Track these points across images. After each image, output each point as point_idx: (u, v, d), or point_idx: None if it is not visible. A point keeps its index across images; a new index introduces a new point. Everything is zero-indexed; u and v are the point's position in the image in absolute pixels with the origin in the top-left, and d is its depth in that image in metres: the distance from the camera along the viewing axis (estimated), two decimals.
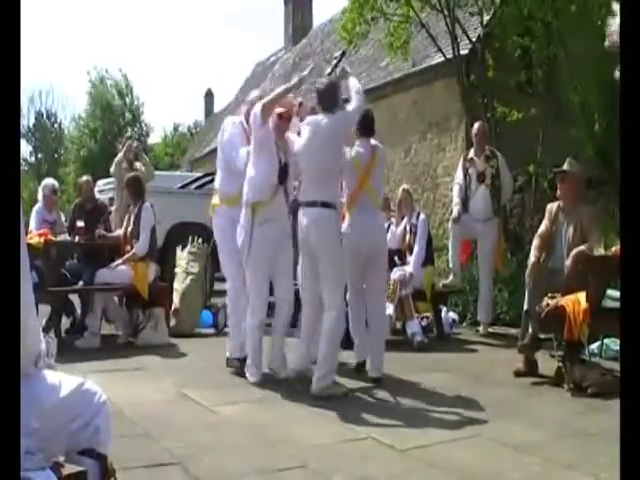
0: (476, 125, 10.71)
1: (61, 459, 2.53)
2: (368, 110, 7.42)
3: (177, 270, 10.44)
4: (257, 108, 6.77)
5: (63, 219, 11.04)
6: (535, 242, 7.66)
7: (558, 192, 7.70)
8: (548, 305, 6.92)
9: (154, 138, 48.29)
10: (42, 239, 8.79)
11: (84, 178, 11.31)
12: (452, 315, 10.69)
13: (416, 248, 9.60)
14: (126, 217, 9.66)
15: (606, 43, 4.73)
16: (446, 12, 13.25)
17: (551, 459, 4.63)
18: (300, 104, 7.69)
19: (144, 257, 9.10)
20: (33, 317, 2.38)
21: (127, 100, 39.35)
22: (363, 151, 7.22)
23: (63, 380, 2.50)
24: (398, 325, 9.85)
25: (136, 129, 36.80)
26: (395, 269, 9.53)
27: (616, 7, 3.94)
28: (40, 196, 10.68)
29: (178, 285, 10.17)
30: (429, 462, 4.60)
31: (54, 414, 2.40)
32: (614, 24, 4.30)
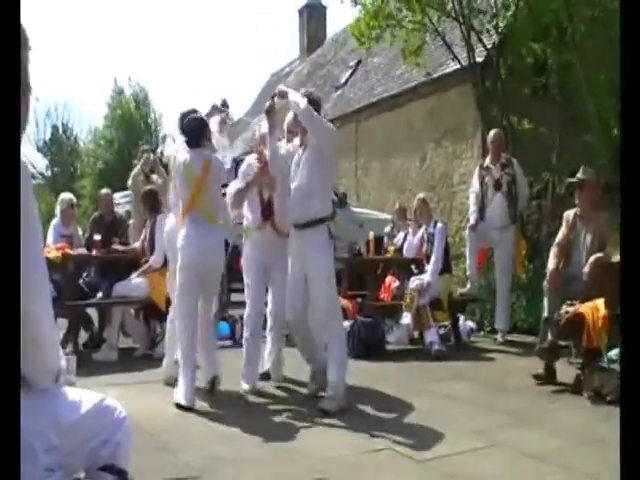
0: (492, 133, 10.69)
1: (82, 475, 2.54)
2: (190, 119, 7.04)
3: None
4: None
5: (80, 233, 11.08)
6: (553, 250, 7.64)
7: (576, 200, 7.68)
8: (567, 312, 6.91)
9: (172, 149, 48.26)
10: (60, 253, 8.82)
11: (104, 191, 11.34)
12: (470, 323, 10.68)
13: (433, 257, 9.60)
14: (143, 230, 9.69)
15: None
16: (461, 19, 13.24)
17: (570, 468, 4.61)
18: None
19: (161, 269, 9.10)
20: (52, 333, 2.39)
21: (144, 112, 39.31)
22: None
23: (83, 396, 2.50)
24: (416, 334, 9.85)
25: (153, 141, 36.71)
26: (412, 278, 9.55)
27: None
28: (58, 210, 10.72)
29: None
30: (448, 473, 4.58)
31: (75, 431, 2.40)
32: None
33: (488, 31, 13.87)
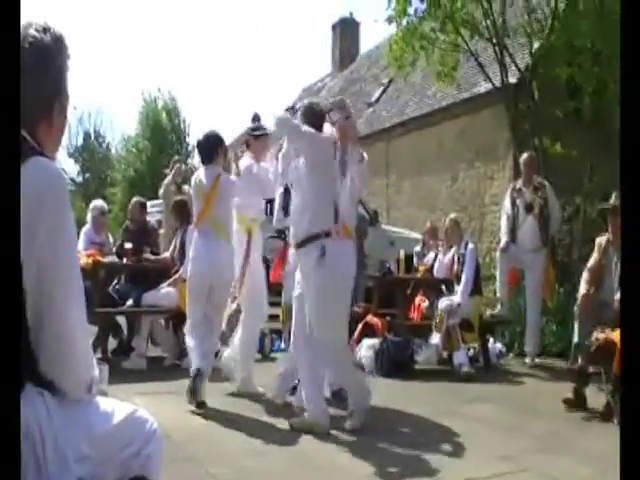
0: (525, 155, 10.65)
1: None
2: (207, 135, 7.34)
3: None
4: None
5: (111, 240, 11.11)
6: (585, 275, 7.58)
7: (608, 226, 7.61)
8: (598, 339, 6.83)
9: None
10: (90, 260, 8.86)
11: (134, 199, 11.33)
12: (499, 345, 10.61)
13: (464, 278, 9.55)
14: (173, 240, 9.72)
15: None
16: (495, 40, 13.23)
17: None
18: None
19: None
20: (86, 341, 2.38)
21: (175, 122, 39.35)
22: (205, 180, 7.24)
23: (116, 407, 2.48)
24: (445, 355, 9.79)
25: (183, 151, 36.71)
26: (442, 298, 9.51)
27: None
28: (89, 217, 10.75)
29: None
30: None
31: (106, 441, 2.39)
32: None
33: (522, 47, 13.83)
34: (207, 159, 7.26)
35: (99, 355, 8.59)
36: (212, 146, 7.23)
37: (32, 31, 2.23)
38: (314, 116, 6.39)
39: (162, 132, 37.96)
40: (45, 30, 2.26)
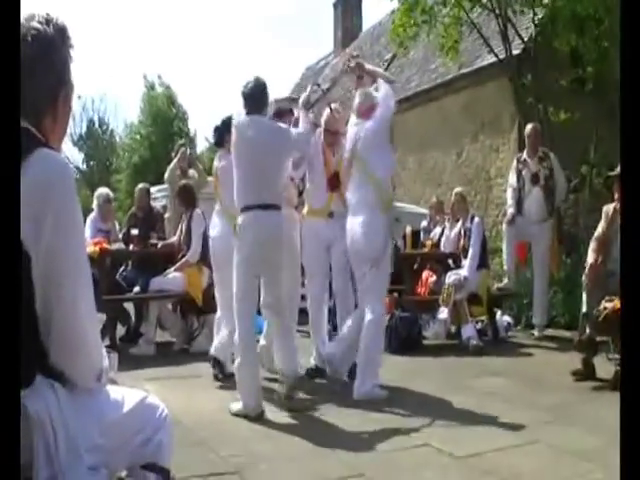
0: (529, 127, 10.61)
1: (123, 474, 2.54)
2: (223, 119, 7.45)
3: None
4: None
5: (117, 228, 11.10)
6: (592, 245, 7.55)
7: (615, 195, 7.57)
8: (605, 308, 6.83)
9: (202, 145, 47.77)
10: (97, 248, 8.87)
11: (139, 186, 11.30)
12: (507, 318, 10.60)
13: (471, 252, 9.56)
14: (179, 224, 9.72)
15: None
16: (497, 11, 13.14)
17: (612, 465, 4.55)
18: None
19: (197, 263, 9.12)
20: (96, 331, 2.39)
21: (177, 108, 39.13)
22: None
23: (126, 395, 2.50)
24: (453, 329, 9.82)
25: (185, 137, 36.47)
26: (450, 273, 9.51)
27: None
28: (95, 205, 10.73)
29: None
30: (487, 469, 4.55)
31: (117, 429, 2.40)
32: None
33: (526, 27, 13.72)
34: (219, 142, 7.62)
35: (107, 343, 8.61)
36: (222, 130, 7.39)
37: (35, 23, 2.22)
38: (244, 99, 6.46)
39: (164, 118, 37.86)
40: (48, 22, 2.25)
